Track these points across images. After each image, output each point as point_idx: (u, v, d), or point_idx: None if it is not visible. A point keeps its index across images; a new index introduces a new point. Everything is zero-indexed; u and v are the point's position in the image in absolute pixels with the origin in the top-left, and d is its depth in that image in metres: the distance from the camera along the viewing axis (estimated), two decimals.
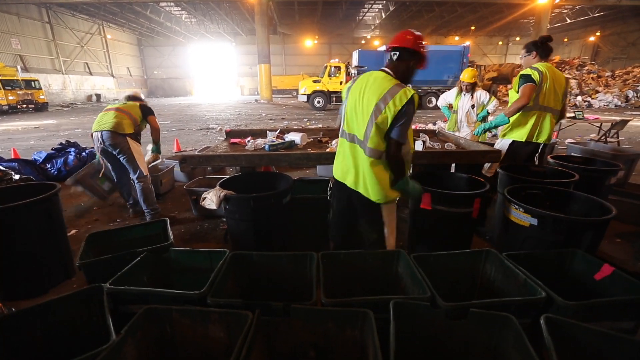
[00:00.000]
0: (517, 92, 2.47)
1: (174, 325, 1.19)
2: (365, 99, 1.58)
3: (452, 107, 3.99)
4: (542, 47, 2.50)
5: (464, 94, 3.83)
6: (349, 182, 1.73)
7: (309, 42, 29.14)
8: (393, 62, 1.61)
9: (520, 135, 2.57)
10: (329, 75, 14.91)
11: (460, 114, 3.89)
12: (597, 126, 6.01)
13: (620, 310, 1.27)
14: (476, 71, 3.86)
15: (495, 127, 2.71)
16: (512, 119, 2.57)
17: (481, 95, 3.75)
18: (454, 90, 4.00)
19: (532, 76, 2.41)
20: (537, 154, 2.80)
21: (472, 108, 3.75)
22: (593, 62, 21.11)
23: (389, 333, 1.06)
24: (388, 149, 1.60)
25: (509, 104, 2.55)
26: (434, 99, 15.57)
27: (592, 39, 28.00)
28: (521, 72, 2.51)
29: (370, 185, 1.65)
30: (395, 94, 1.49)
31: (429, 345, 1.25)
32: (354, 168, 1.69)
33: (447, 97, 4.09)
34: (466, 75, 3.73)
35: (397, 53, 1.58)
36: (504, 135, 2.70)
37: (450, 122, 4.03)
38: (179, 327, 1.20)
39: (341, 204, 1.90)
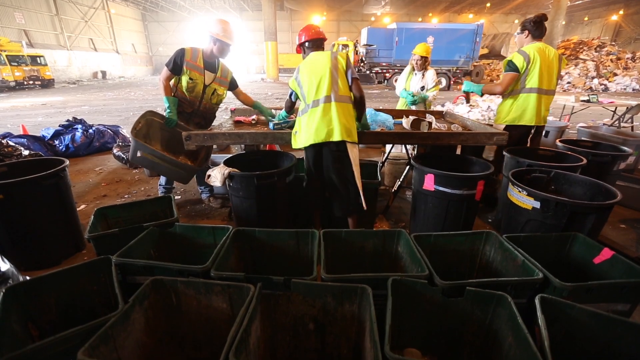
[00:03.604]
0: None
1: (179, 295, 1.24)
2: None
3: (406, 88, 3.61)
4: (535, 27, 2.47)
5: (415, 73, 3.51)
6: (335, 137, 1.92)
7: (317, 19, 28.21)
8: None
9: (508, 118, 2.63)
10: None
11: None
12: (612, 110, 5.84)
13: (616, 293, 1.28)
14: (429, 47, 3.51)
15: (470, 92, 2.78)
16: (500, 104, 2.71)
17: (432, 77, 3.46)
18: (406, 69, 3.63)
19: (517, 64, 2.46)
20: (529, 137, 2.76)
21: (422, 90, 3.47)
22: (613, 43, 20.13)
23: (386, 309, 1.09)
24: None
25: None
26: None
27: (614, 17, 26.60)
28: (508, 58, 2.54)
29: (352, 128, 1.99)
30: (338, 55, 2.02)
31: (424, 321, 1.28)
32: (334, 121, 1.93)
33: (401, 80, 3.68)
34: (418, 49, 3.40)
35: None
36: (496, 121, 2.75)
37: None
38: (184, 297, 1.25)
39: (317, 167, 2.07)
